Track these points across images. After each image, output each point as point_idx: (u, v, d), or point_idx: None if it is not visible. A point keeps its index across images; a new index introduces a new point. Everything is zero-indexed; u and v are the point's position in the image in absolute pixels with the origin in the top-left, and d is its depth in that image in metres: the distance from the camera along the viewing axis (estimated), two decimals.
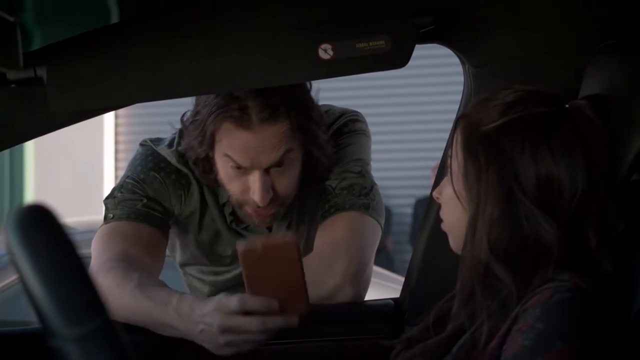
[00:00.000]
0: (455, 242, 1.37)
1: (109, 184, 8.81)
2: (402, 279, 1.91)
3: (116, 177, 8.85)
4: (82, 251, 0.84)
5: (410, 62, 1.60)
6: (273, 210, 1.78)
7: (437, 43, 1.72)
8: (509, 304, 1.25)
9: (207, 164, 1.79)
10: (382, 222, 1.86)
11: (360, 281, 1.77)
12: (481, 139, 1.30)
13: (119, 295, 1.63)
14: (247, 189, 1.75)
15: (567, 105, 1.33)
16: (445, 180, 1.38)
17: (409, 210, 7.84)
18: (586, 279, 1.24)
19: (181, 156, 1.84)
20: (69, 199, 8.06)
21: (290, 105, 1.69)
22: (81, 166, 8.79)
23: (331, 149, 1.82)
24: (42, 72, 1.53)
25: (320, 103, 1.89)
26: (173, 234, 1.91)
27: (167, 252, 1.93)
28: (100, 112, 1.68)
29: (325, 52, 1.55)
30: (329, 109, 1.90)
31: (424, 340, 1.38)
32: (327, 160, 1.81)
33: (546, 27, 1.65)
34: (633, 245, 1.35)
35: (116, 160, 8.94)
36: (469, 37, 1.69)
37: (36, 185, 8.98)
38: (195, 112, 1.75)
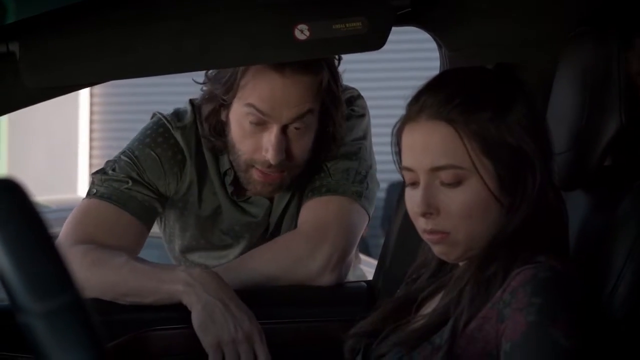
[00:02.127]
0: (464, 250, 1.31)
1: (83, 163, 8.76)
2: (375, 262, 1.91)
3: (91, 156, 8.80)
4: (54, 230, 0.84)
5: (384, 47, 1.59)
6: (280, 177, 1.75)
7: (414, 26, 1.71)
8: (491, 286, 1.24)
9: (218, 122, 1.77)
10: (371, 211, 1.84)
11: (342, 268, 1.76)
12: (501, 142, 1.27)
13: (106, 267, 1.65)
14: (259, 148, 1.72)
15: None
16: (441, 191, 1.29)
17: (382, 195, 7.86)
18: (559, 260, 1.25)
19: (183, 129, 1.81)
20: (43, 176, 8.01)
21: (326, 64, 1.71)
22: (55, 144, 8.73)
23: (344, 129, 1.81)
24: (14, 47, 1.52)
25: None
26: (172, 220, 1.88)
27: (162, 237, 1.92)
28: (74, 89, 1.66)
29: (302, 32, 1.54)
30: None
31: (378, 333, 1.37)
32: (340, 134, 1.80)
33: (522, 13, 1.65)
34: (604, 230, 1.36)
35: (91, 139, 8.89)
36: (445, 21, 1.69)
37: (9, 161, 8.91)
38: None
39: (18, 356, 1.53)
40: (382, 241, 1.94)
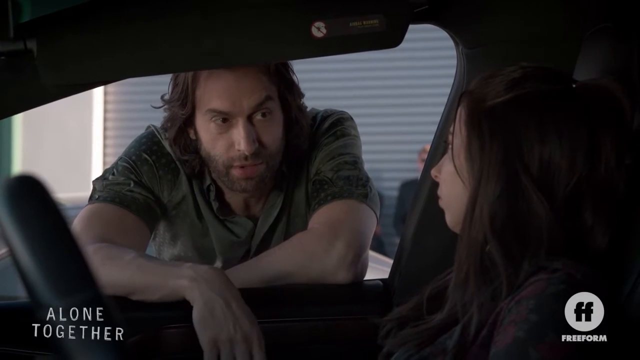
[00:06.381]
0: (453, 219, 1.35)
1: (97, 160, 8.78)
2: (391, 261, 1.90)
3: (104, 154, 8.82)
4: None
5: (401, 45, 1.59)
6: (260, 168, 1.78)
7: (431, 23, 1.71)
8: (499, 292, 1.23)
9: (188, 141, 1.80)
10: (378, 213, 1.86)
11: (357, 266, 1.76)
12: (487, 114, 1.27)
13: (114, 265, 1.65)
14: (232, 145, 1.75)
15: (574, 85, 1.30)
16: (445, 158, 1.35)
17: (395, 194, 7.86)
18: (579, 267, 1.21)
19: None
20: (57, 173, 8.04)
21: None
22: (69, 141, 8.75)
23: (307, 115, 1.84)
24: (32, 45, 1.52)
25: (309, 85, 1.89)
26: (163, 229, 1.91)
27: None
28: (90, 87, 1.67)
29: (319, 30, 1.54)
30: (317, 112, 1.92)
31: (415, 319, 1.37)
32: (304, 120, 1.83)
33: (540, 10, 1.65)
34: (626, 228, 1.34)
35: (105, 137, 8.91)
36: (463, 18, 1.69)
37: (23, 159, 8.94)
38: (175, 77, 1.79)
39: (37, 354, 1.53)
40: (395, 240, 1.94)
